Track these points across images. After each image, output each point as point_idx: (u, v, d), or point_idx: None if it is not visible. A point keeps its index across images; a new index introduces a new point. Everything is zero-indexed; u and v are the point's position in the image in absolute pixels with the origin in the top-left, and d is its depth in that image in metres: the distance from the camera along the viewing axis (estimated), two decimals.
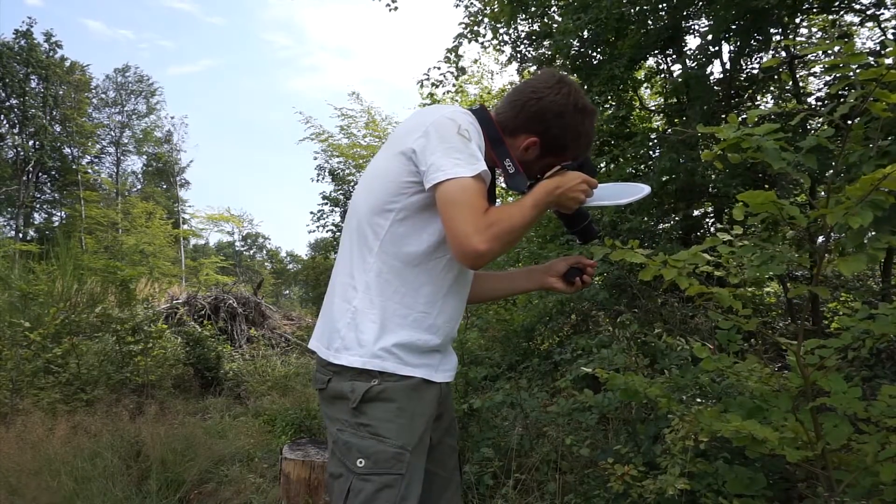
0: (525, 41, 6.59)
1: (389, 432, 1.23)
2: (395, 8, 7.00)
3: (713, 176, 4.37)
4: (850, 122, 1.57)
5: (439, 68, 7.36)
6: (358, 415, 1.25)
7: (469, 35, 6.85)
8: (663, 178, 4.29)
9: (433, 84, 7.47)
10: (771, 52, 4.42)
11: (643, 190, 1.39)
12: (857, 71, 1.13)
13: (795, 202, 1.23)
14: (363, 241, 1.32)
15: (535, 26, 6.28)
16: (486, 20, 6.77)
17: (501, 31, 6.72)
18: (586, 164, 1.36)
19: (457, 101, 12.34)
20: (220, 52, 68.69)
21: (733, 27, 4.28)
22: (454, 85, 7.66)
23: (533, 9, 6.01)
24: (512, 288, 1.65)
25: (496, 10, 6.54)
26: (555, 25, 5.67)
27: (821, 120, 3.65)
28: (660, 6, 4.80)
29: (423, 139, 1.23)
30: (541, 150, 1.36)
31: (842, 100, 1.16)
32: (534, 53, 6.56)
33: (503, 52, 7.39)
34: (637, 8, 4.71)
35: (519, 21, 6.53)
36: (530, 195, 1.28)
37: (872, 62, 1.10)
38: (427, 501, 1.36)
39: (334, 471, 1.28)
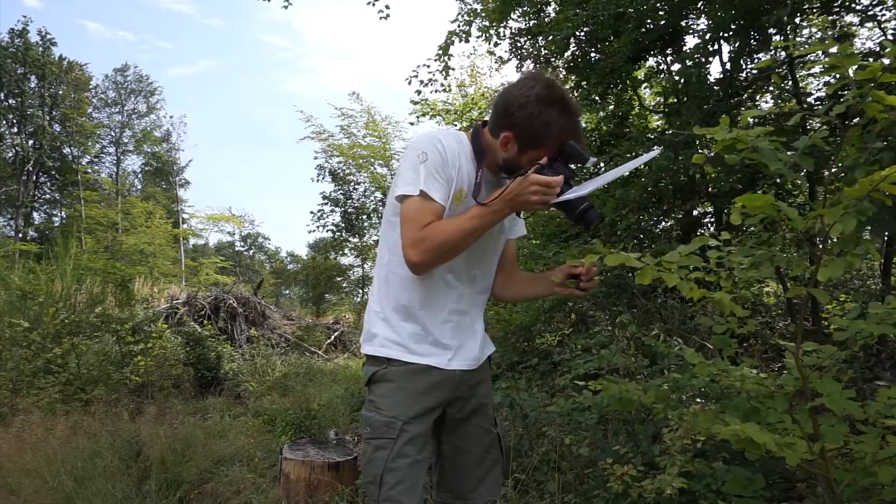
0: (521, 38, 6.59)
1: (385, 405, 1.49)
2: (387, 16, 7.01)
3: (712, 175, 4.37)
4: (847, 122, 1.57)
5: (428, 66, 7.36)
6: (369, 392, 1.55)
7: (461, 32, 6.84)
8: (660, 175, 4.29)
9: (422, 82, 7.48)
10: (770, 51, 4.42)
11: (643, 157, 1.43)
12: (855, 70, 1.13)
13: (794, 203, 1.23)
14: (379, 249, 1.61)
15: (531, 24, 6.28)
16: (477, 20, 6.76)
17: (492, 31, 6.72)
18: (573, 153, 1.38)
19: (450, 105, 12.36)
20: (219, 53, 68.74)
21: (732, 27, 4.28)
22: (442, 85, 7.67)
23: (526, 7, 6.01)
24: (533, 292, 1.77)
25: (490, 7, 6.53)
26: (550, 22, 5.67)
27: (818, 120, 3.64)
28: (658, 5, 4.80)
29: (399, 163, 1.53)
30: (518, 144, 1.44)
31: (841, 99, 1.16)
32: (531, 50, 6.55)
33: (494, 53, 7.41)
34: (634, 8, 4.71)
35: (514, 18, 6.53)
36: (476, 207, 1.42)
37: (867, 63, 1.09)
38: (458, 474, 1.63)
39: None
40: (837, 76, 1.18)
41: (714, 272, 1.35)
